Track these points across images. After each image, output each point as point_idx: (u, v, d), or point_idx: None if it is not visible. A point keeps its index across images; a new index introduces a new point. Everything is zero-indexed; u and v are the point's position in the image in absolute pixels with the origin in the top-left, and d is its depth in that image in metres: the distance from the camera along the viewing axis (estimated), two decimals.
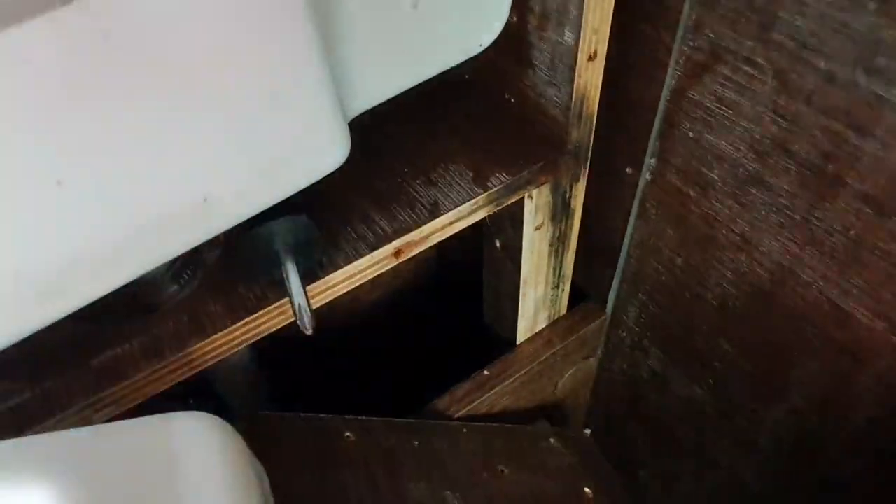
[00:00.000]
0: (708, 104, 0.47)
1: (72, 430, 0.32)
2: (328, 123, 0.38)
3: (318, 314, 0.41)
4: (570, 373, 0.76)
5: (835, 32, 0.37)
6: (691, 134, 0.50)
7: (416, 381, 0.68)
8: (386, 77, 0.44)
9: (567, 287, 0.70)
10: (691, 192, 0.53)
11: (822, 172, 0.42)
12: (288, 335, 0.47)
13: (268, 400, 0.71)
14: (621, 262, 0.67)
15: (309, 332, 0.38)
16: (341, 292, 0.46)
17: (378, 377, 0.70)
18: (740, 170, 0.48)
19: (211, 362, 0.43)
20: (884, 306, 0.43)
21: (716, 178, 0.50)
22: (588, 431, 0.78)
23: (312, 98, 0.37)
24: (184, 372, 0.42)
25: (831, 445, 0.53)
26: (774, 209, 0.47)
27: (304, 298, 0.39)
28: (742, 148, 0.47)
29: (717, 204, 0.51)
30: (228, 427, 0.33)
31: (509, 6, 0.47)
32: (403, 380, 0.70)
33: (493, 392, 0.68)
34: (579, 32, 0.45)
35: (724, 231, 0.52)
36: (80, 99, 0.29)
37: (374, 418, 0.58)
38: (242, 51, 0.32)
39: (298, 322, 0.39)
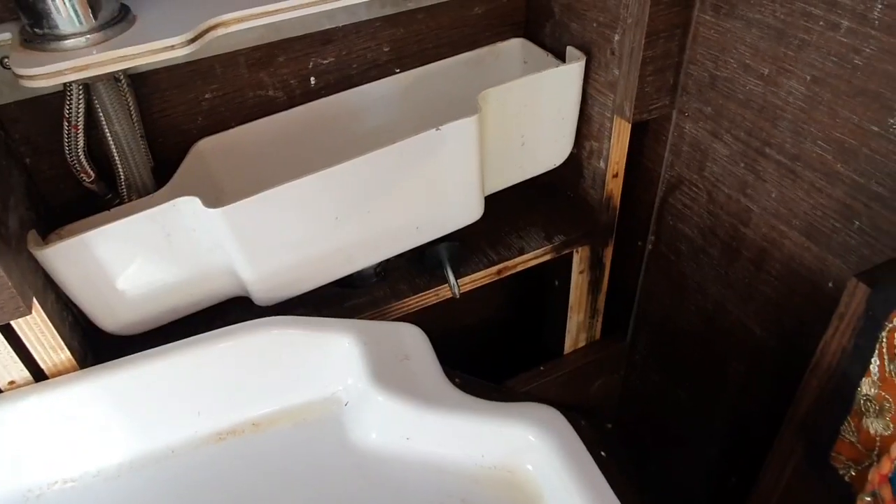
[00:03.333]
0: (678, 206, 0.85)
1: (357, 319, 0.72)
2: (476, 198, 0.79)
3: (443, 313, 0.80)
4: (599, 382, 1.11)
5: (728, 175, 0.75)
6: (671, 222, 0.88)
7: (495, 366, 1.05)
8: (503, 177, 0.85)
9: (600, 320, 1.06)
10: (671, 257, 0.90)
11: (729, 246, 0.79)
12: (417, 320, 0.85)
13: None
14: (635, 305, 1.03)
15: (458, 297, 0.78)
16: (468, 289, 0.86)
17: (470, 362, 1.07)
18: (694, 244, 0.85)
19: (398, 315, 0.83)
20: (767, 324, 0.78)
21: (683, 249, 0.87)
22: (609, 426, 1.12)
23: (472, 187, 0.78)
24: (386, 317, 0.82)
25: (751, 414, 0.86)
26: (712, 268, 0.83)
27: (455, 282, 0.79)
28: (695, 231, 0.84)
29: (684, 264, 0.88)
30: (421, 333, 0.72)
31: (572, 146, 0.88)
32: (487, 365, 1.06)
33: (545, 381, 1.04)
34: (608, 162, 0.85)
35: (689, 282, 0.89)
36: (381, 187, 0.71)
37: (472, 376, 0.95)
38: (450, 174, 0.74)
39: (453, 293, 0.79)
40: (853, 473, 0.58)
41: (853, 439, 0.57)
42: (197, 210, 0.65)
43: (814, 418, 0.63)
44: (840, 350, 0.58)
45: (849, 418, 0.57)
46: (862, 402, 0.55)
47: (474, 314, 1.14)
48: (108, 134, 0.67)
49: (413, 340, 0.70)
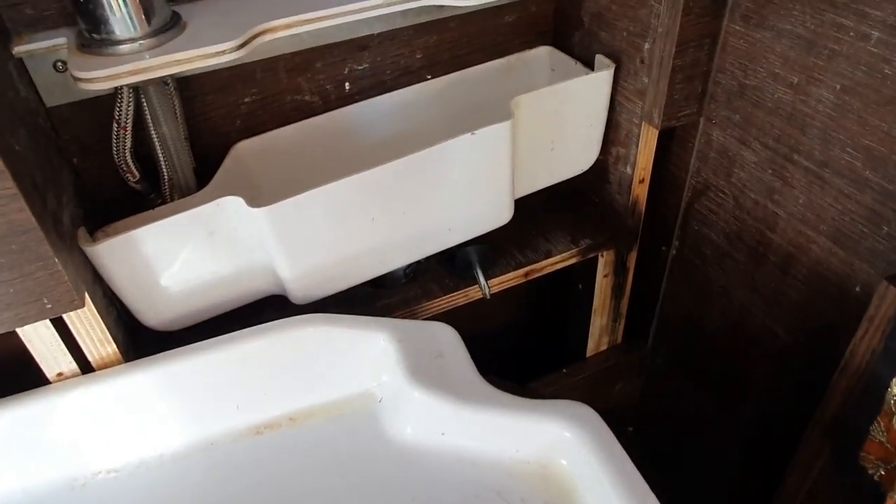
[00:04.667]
0: (704, 212, 0.87)
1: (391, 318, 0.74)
2: (507, 202, 0.81)
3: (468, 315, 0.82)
4: (620, 385, 1.12)
5: (755, 181, 0.77)
6: (696, 227, 0.89)
7: (518, 368, 1.07)
8: (532, 182, 0.87)
9: (622, 324, 1.08)
10: (696, 262, 0.91)
11: (755, 251, 0.80)
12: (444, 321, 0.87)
13: None
14: (657, 309, 1.04)
15: (488, 297, 0.79)
16: (495, 290, 0.87)
17: (494, 364, 1.09)
18: (720, 249, 0.86)
19: (428, 315, 0.85)
20: (792, 328, 0.79)
21: (708, 253, 0.89)
22: (630, 429, 1.13)
23: (503, 191, 0.80)
24: (416, 316, 0.84)
25: (774, 419, 0.87)
26: (737, 272, 0.85)
27: (486, 282, 0.81)
28: (720, 236, 0.86)
29: (709, 269, 0.90)
30: (454, 332, 0.74)
31: (598, 152, 0.89)
32: (511, 367, 1.08)
33: (567, 383, 1.05)
34: (634, 168, 0.87)
35: (713, 286, 0.90)
36: (416, 189, 0.73)
37: (497, 378, 0.97)
38: (482, 177, 0.76)
39: (483, 293, 0.80)
40: (882, 473, 0.59)
41: (882, 439, 0.58)
42: (240, 209, 0.67)
43: (842, 419, 0.64)
44: (870, 351, 0.59)
45: (878, 418, 0.58)
46: (892, 402, 0.56)
47: (499, 317, 1.15)
48: (155, 135, 0.69)
49: (446, 339, 0.72)
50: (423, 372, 0.67)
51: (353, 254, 0.75)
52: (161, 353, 0.68)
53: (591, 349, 1.08)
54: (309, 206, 0.68)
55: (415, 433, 0.67)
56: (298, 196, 0.67)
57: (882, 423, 0.58)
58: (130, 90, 0.67)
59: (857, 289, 0.69)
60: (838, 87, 0.65)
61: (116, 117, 0.68)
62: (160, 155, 0.71)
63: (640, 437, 1.15)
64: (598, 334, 1.06)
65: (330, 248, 0.73)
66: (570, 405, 0.63)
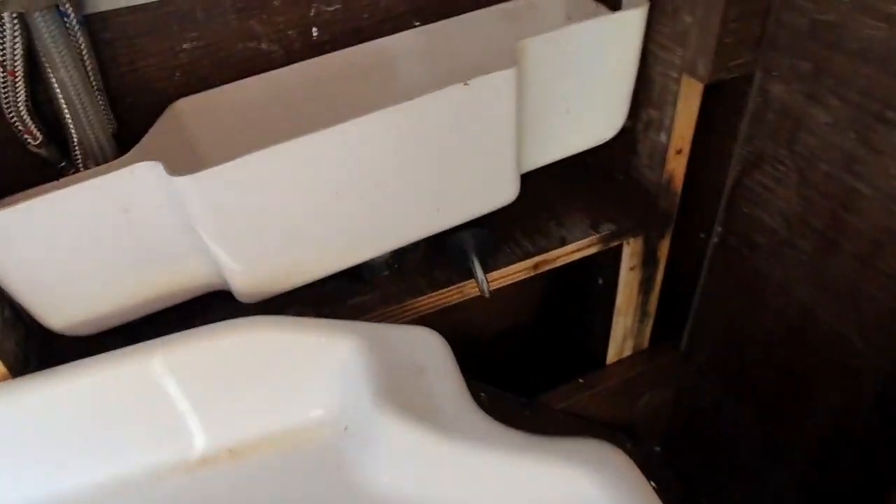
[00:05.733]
0: (757, 189, 0.70)
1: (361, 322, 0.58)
2: (510, 175, 0.65)
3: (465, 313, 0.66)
4: (647, 396, 0.95)
5: (830, 147, 0.60)
6: (745, 209, 0.72)
7: (527, 379, 0.90)
8: (542, 152, 0.70)
9: (650, 324, 0.91)
10: (744, 251, 0.75)
11: (825, 238, 0.63)
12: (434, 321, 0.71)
13: None
14: (693, 308, 0.87)
15: (487, 296, 0.63)
16: (498, 286, 0.71)
17: (496, 373, 0.93)
18: (777, 235, 0.69)
19: (414, 315, 0.69)
20: (874, 336, 0.63)
21: (761, 241, 0.72)
22: (657, 449, 0.97)
23: (505, 161, 0.63)
24: (398, 317, 0.68)
25: (843, 454, 0.70)
26: (800, 265, 0.68)
27: (484, 277, 0.64)
28: (778, 220, 0.69)
29: (761, 260, 0.73)
30: (441, 340, 0.58)
31: (625, 116, 0.73)
32: (517, 376, 0.92)
33: (584, 395, 0.89)
34: (670, 135, 0.70)
35: (766, 282, 0.73)
36: (393, 155, 0.56)
37: (500, 391, 0.81)
38: (479, 143, 0.59)
39: (480, 290, 0.64)
40: None
41: None
42: (160, 178, 0.51)
43: None
44: None
45: None
46: None
47: (503, 318, 0.99)
48: (54, 82, 0.54)
49: (430, 349, 0.56)
50: (398, 394, 0.51)
51: (313, 239, 0.59)
52: (60, 366, 0.53)
53: (612, 355, 0.91)
54: (250, 175, 0.52)
55: (385, 478, 0.51)
56: (235, 161, 0.51)
57: None
58: (14, 19, 0.51)
59: None
60: None
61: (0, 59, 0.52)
62: (64, 109, 0.55)
63: (669, 458, 0.98)
64: (622, 338, 0.90)
65: (281, 230, 0.57)
66: (589, 445, 0.47)
